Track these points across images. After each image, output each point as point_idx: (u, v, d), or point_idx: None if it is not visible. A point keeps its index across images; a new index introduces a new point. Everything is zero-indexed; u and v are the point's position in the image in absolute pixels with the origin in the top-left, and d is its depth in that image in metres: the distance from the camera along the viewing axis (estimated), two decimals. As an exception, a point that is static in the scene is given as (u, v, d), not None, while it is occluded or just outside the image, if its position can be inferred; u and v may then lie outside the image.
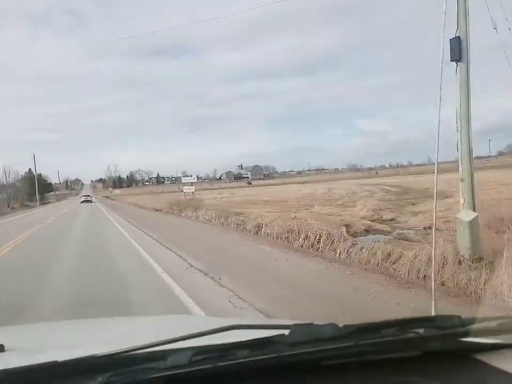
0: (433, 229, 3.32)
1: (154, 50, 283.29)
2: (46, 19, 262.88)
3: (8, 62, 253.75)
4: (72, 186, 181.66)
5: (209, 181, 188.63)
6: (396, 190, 31.32)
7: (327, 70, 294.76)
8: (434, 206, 3.08)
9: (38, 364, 0.86)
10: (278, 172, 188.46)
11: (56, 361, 0.85)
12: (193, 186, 29.74)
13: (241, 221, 13.73)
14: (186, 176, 37.57)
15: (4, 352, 1.13)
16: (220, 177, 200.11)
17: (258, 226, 11.80)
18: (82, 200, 54.96)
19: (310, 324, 0.99)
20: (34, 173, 67.47)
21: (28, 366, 0.85)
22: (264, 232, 11.00)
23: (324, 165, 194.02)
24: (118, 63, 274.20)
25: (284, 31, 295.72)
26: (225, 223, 14.70)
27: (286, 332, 0.94)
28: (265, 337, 0.93)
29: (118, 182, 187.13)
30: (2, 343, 1.14)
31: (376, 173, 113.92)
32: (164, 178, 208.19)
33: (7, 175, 70.45)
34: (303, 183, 71.38)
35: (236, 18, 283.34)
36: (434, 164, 3.22)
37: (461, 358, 0.99)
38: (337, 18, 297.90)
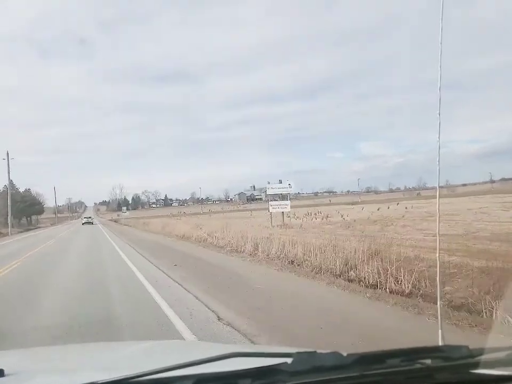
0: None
1: (157, 76, 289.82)
2: (54, 46, 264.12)
3: (15, 85, 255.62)
4: (75, 208, 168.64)
5: (220, 203, 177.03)
6: None
7: (328, 94, 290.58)
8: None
9: None
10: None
11: None
12: (287, 206, 17.52)
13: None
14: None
15: (4, 377, 1.13)
16: (230, 199, 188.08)
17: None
18: (83, 222, 54.99)
19: (313, 352, 0.95)
20: (7, 181, 44.40)
21: None
22: None
23: (324, 187, 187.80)
24: (122, 89, 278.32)
25: (284, 57, 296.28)
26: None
27: (289, 360, 0.92)
28: (268, 366, 0.91)
29: (123, 204, 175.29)
30: (2, 368, 1.13)
31: (419, 194, 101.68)
32: (171, 200, 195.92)
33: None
34: (352, 204, 59.27)
35: (237, 45, 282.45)
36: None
37: None
38: (338, 42, 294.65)
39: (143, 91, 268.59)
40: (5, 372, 1.12)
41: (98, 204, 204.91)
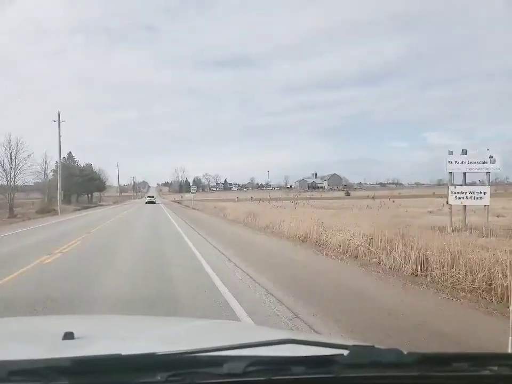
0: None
1: (218, 60, 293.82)
2: (122, 33, 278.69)
3: (89, 72, 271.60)
4: (138, 188, 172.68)
5: (279, 189, 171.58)
6: None
7: (391, 80, 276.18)
8: None
9: (104, 356, 0.89)
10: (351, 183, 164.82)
11: (120, 355, 0.88)
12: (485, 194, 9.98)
13: None
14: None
15: (73, 340, 1.23)
16: (290, 186, 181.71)
17: None
18: (147, 200, 59.92)
19: (371, 347, 0.93)
20: (58, 149, 35.14)
21: (94, 356, 0.89)
22: None
23: (381, 178, 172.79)
24: (183, 72, 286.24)
25: (348, 41, 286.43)
26: None
27: (345, 352, 0.90)
28: (323, 356, 0.91)
29: (185, 186, 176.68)
30: (72, 331, 1.24)
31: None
32: (230, 184, 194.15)
33: (46, 166, 44.31)
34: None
35: (298, 28, 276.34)
36: None
37: None
38: (405, 26, 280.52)
39: (205, 75, 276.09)
40: (75, 335, 1.24)
41: (161, 185, 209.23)
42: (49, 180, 42.96)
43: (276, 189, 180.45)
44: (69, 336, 1.24)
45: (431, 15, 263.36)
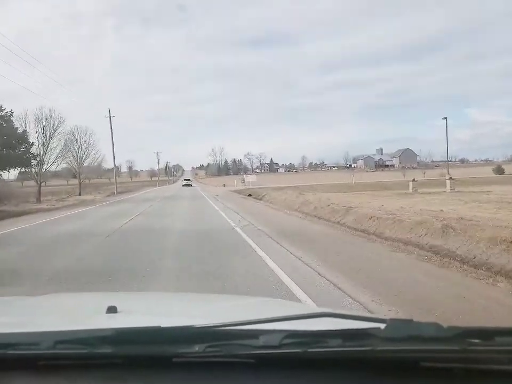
0: None
1: (252, 40, 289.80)
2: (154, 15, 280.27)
3: (123, 56, 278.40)
4: (172, 172, 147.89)
5: (338, 169, 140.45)
6: None
7: (433, 55, 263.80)
8: None
9: (143, 327, 0.95)
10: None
11: (159, 327, 0.94)
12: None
13: None
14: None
15: (116, 313, 1.30)
16: (350, 165, 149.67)
17: None
18: (183, 184, 60.22)
19: (410, 320, 0.92)
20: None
21: (135, 327, 0.95)
22: None
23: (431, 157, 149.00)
24: (217, 54, 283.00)
25: (389, 13, 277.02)
26: None
27: (382, 325, 0.89)
28: (360, 329, 0.90)
29: (224, 168, 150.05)
30: (115, 305, 1.33)
31: None
32: (277, 165, 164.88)
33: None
34: None
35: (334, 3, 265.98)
36: None
37: None
38: None
39: (240, 56, 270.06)
40: (118, 309, 1.32)
41: (196, 168, 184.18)
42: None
43: (334, 168, 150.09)
44: (112, 310, 1.32)
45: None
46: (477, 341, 0.84)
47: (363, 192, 28.21)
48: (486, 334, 0.86)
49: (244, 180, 56.91)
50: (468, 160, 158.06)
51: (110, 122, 41.95)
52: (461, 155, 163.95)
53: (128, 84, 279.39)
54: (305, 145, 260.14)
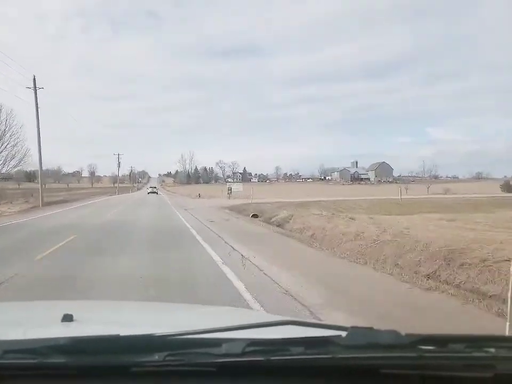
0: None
1: (221, 51, 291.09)
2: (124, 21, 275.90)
3: (88, 60, 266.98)
4: (137, 179, 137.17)
5: (313, 181, 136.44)
6: None
7: (396, 74, 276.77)
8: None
9: (100, 336, 0.93)
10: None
11: (118, 335, 0.91)
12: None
13: None
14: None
15: (72, 322, 1.27)
16: (324, 178, 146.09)
17: None
18: (149, 191, 58.45)
19: (370, 328, 0.93)
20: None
21: (91, 336, 0.93)
22: None
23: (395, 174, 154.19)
24: (186, 64, 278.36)
25: (351, 33, 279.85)
26: None
27: (343, 333, 0.92)
28: (321, 337, 0.92)
29: (194, 176, 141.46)
30: (72, 313, 1.29)
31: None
32: (250, 174, 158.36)
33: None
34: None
35: (303, 19, 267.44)
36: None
37: None
38: (412, 17, 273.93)
39: (209, 66, 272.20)
40: (74, 317, 1.28)
41: (163, 175, 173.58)
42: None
43: (309, 180, 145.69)
44: (67, 318, 1.29)
45: (435, 9, 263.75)
46: (432, 348, 0.87)
47: (441, 215, 17.62)
48: (441, 340, 0.89)
49: (230, 190, 43.60)
50: (439, 175, 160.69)
51: (36, 95, 28.01)
52: (426, 172, 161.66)
53: (91, 88, 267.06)
54: (278, 155, 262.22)
